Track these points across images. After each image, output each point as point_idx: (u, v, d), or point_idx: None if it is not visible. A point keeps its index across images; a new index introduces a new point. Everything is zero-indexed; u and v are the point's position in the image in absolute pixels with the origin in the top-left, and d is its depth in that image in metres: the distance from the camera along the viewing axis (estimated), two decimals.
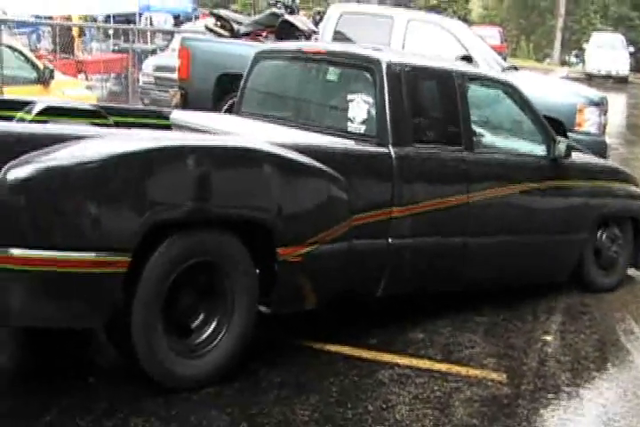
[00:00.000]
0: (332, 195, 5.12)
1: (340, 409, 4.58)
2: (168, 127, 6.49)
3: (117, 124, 6.09)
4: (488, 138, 6.69)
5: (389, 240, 5.53)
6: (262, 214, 4.76)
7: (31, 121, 5.73)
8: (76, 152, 4.13)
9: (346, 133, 5.82)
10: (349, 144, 5.62)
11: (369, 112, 5.75)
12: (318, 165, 5.03)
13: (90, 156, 4.13)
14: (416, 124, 5.88)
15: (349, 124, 5.86)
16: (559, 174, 6.67)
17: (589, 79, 35.37)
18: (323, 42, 8.62)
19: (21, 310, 4.10)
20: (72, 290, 4.17)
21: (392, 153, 5.55)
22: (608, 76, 37.52)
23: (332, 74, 6.43)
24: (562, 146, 6.58)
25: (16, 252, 3.98)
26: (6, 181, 3.94)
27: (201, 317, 4.67)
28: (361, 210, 5.30)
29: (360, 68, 5.99)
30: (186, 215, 4.43)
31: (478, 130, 6.48)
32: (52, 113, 5.85)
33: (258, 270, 4.82)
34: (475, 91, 6.41)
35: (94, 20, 24.74)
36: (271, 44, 7.14)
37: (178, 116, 6.60)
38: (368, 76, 5.84)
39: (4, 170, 3.97)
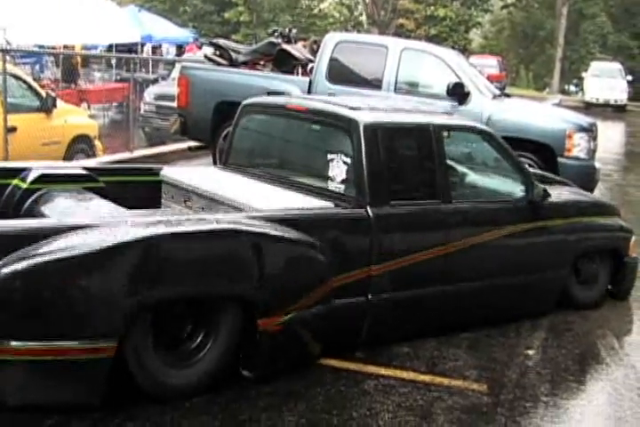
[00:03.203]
0: (311, 263, 5.30)
1: (326, 416, 4.82)
2: (158, 184, 6.76)
3: (108, 185, 6.36)
4: (466, 187, 6.90)
5: (369, 297, 5.71)
6: (241, 290, 4.97)
7: (27, 189, 6.03)
8: (62, 247, 4.39)
9: (326, 192, 6.00)
10: (328, 208, 5.78)
11: (347, 172, 5.89)
12: (296, 235, 5.21)
13: (77, 248, 4.39)
14: (393, 182, 6.00)
15: (330, 182, 6.02)
16: (538, 216, 6.83)
17: (587, 108, 35.64)
18: (310, 97, 8.69)
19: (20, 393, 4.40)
20: (67, 374, 4.45)
21: (370, 214, 5.71)
22: (606, 105, 37.79)
23: (313, 132, 6.64)
24: (539, 190, 6.79)
25: (14, 343, 4.29)
26: (0, 278, 4.24)
27: (189, 328, 4.95)
28: (340, 271, 5.49)
29: (338, 127, 6.14)
30: (167, 298, 4.72)
31: (456, 179, 6.69)
32: (45, 180, 6.13)
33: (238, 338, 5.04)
34: (452, 141, 6.59)
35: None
36: (257, 98, 7.28)
37: (168, 173, 6.79)
38: (346, 136, 5.98)
39: None
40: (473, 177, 7.06)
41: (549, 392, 5.52)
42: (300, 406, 4.89)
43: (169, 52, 30.00)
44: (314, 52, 12.67)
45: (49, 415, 4.44)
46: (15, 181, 6.12)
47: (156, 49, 29.82)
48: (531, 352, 6.26)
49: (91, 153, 12.56)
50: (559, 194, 7.42)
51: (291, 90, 11.16)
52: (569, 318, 7.22)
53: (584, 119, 11.48)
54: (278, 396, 5.01)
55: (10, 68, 11.12)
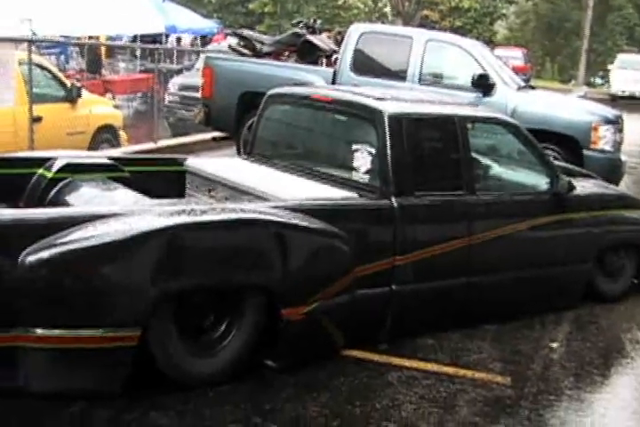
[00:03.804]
0: (335, 253, 5.29)
1: (349, 407, 4.82)
2: (183, 174, 6.79)
3: (133, 175, 6.37)
4: (491, 178, 6.88)
5: (392, 287, 5.71)
6: (266, 280, 4.97)
7: (52, 178, 6.05)
8: (87, 236, 4.41)
9: (351, 183, 6.00)
10: (352, 199, 5.79)
11: (372, 162, 5.89)
12: (320, 225, 5.21)
13: (102, 237, 4.41)
14: (418, 173, 5.98)
15: (354, 173, 6.02)
16: (562, 209, 6.80)
17: (614, 100, 35.37)
18: (335, 87, 8.64)
19: (44, 380, 4.45)
20: (90, 362, 4.50)
21: (394, 204, 5.71)
22: (632, 97, 37.48)
23: (338, 122, 6.62)
24: (564, 182, 6.76)
25: (39, 331, 4.33)
26: (26, 266, 4.28)
27: (213, 317, 4.96)
28: (364, 262, 5.48)
29: (363, 118, 6.13)
30: (190, 287, 4.74)
31: (480, 171, 6.67)
32: (70, 170, 6.14)
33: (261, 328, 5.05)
34: (477, 132, 6.57)
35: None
36: (282, 88, 7.25)
37: (192, 163, 6.84)
38: (371, 126, 5.98)
39: (22, 255, 4.30)
40: (497, 169, 7.03)
41: (573, 386, 5.49)
42: (323, 397, 4.90)
43: (192, 41, 29.95)
44: (338, 43, 12.64)
45: (73, 403, 4.46)
46: (40, 171, 6.14)
47: (180, 40, 29.84)
48: (555, 345, 6.23)
49: (115, 143, 12.61)
50: (584, 187, 7.37)
51: (315, 81, 11.11)
52: (594, 311, 7.18)
53: (610, 111, 11.39)
54: (301, 386, 5.01)
55: (35, 58, 11.14)
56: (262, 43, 12.81)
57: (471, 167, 6.31)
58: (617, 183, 10.24)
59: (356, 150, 6.01)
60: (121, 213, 4.67)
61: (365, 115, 6.10)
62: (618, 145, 10.87)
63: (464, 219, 6.15)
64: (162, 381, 4.73)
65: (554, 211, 6.73)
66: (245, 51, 12.67)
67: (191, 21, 30.82)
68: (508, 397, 5.20)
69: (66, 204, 5.78)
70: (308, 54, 12.43)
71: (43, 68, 11.35)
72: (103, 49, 21.69)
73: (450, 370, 5.51)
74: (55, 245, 4.34)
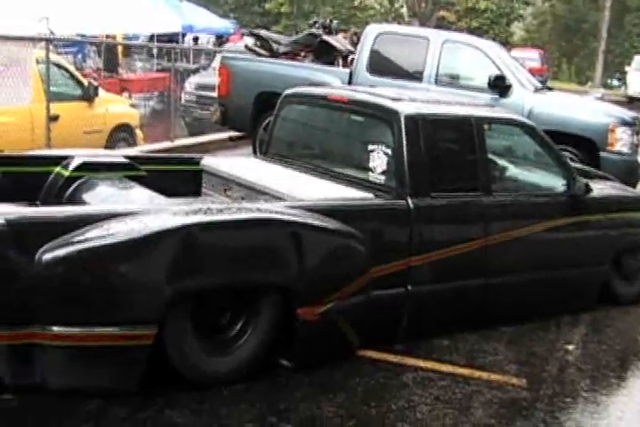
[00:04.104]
0: (351, 253, 5.28)
1: (364, 407, 4.81)
2: (199, 173, 6.81)
3: (149, 174, 6.35)
4: (507, 180, 6.85)
5: (408, 288, 5.70)
6: (282, 279, 4.97)
7: (69, 177, 6.05)
8: (103, 234, 4.42)
9: (367, 183, 5.99)
10: (368, 199, 5.78)
11: (388, 163, 5.88)
12: (336, 225, 5.20)
13: (118, 236, 4.42)
14: (434, 173, 5.96)
15: (370, 173, 6.01)
16: (579, 210, 6.78)
17: (630, 102, 35.21)
18: (351, 88, 8.64)
19: (60, 377, 4.47)
20: (106, 359, 4.52)
21: (410, 205, 5.69)
22: None
23: (354, 122, 6.62)
24: (581, 184, 6.74)
25: (56, 329, 4.35)
26: (42, 264, 4.30)
27: (229, 316, 4.97)
28: (379, 262, 5.47)
29: (379, 118, 6.13)
30: (206, 286, 4.75)
31: (497, 172, 6.66)
32: (87, 168, 6.14)
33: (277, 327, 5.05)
34: (493, 133, 6.56)
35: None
36: (299, 88, 7.28)
37: (208, 162, 6.85)
38: (387, 127, 5.97)
39: (39, 253, 4.32)
40: (514, 170, 7.01)
41: (589, 388, 5.47)
42: (338, 397, 4.89)
43: (209, 41, 29.99)
44: (354, 44, 12.67)
45: (89, 401, 4.47)
46: (57, 169, 6.16)
47: (197, 39, 29.89)
48: (571, 347, 6.21)
49: (132, 142, 12.65)
50: (601, 189, 7.35)
51: (331, 81, 11.14)
52: (610, 313, 7.16)
53: (627, 113, 11.36)
54: (317, 386, 5.01)
55: (53, 57, 11.18)
56: (279, 43, 12.84)
57: (487, 168, 6.29)
58: (634, 185, 10.19)
59: (372, 151, 6.01)
60: (137, 212, 4.68)
61: (382, 115, 6.09)
62: (635, 147, 10.85)
63: (480, 220, 6.13)
64: (177, 379, 4.73)
65: (570, 212, 6.71)
66: (262, 51, 12.70)
67: (208, 21, 30.87)
68: (523, 399, 5.18)
69: (82, 202, 5.79)
70: (325, 55, 12.45)
71: (60, 66, 11.40)
72: (120, 48, 21.73)
73: (465, 371, 5.50)
74: (72, 244, 4.35)
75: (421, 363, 5.54)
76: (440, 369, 5.49)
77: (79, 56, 19.88)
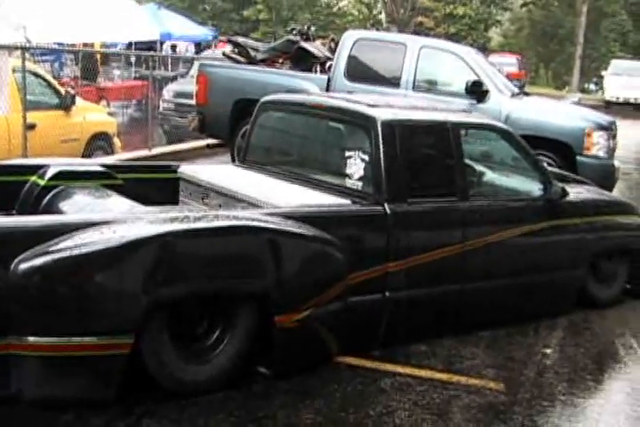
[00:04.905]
0: (328, 260, 5.29)
1: (343, 414, 4.82)
2: (177, 181, 6.81)
3: (126, 182, 6.36)
4: (484, 185, 6.86)
5: (386, 294, 5.71)
6: (259, 287, 4.96)
7: (45, 186, 6.03)
8: (80, 243, 4.40)
9: (344, 189, 6.01)
10: (346, 205, 5.79)
11: (365, 169, 5.89)
12: (313, 232, 5.21)
13: (94, 245, 4.40)
14: (411, 179, 5.98)
15: (347, 180, 6.03)
16: (555, 214, 6.81)
17: (607, 107, 35.43)
18: (328, 94, 8.65)
19: (37, 388, 4.44)
20: (83, 369, 4.50)
21: (387, 211, 5.71)
22: (627, 104, 37.57)
23: (331, 129, 6.64)
24: (557, 188, 6.77)
25: (32, 339, 4.33)
26: (19, 274, 4.28)
27: (206, 325, 4.96)
28: (357, 268, 5.48)
29: (356, 125, 6.15)
30: (183, 295, 4.74)
31: (474, 177, 6.68)
32: (63, 177, 6.13)
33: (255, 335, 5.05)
34: (470, 139, 6.58)
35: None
36: (275, 95, 7.30)
37: (186, 170, 6.84)
38: (364, 133, 5.98)
39: (15, 263, 4.30)
40: (491, 175, 7.03)
41: (567, 391, 5.50)
42: (316, 404, 4.90)
43: (187, 49, 29.97)
44: (332, 50, 12.69)
45: (66, 411, 4.46)
46: (33, 178, 6.14)
47: (175, 47, 29.87)
48: (548, 351, 6.24)
49: (109, 150, 12.61)
50: (577, 193, 7.38)
51: (309, 88, 11.16)
52: (587, 316, 7.19)
53: (603, 118, 11.43)
54: (295, 393, 5.01)
55: (29, 65, 11.15)
56: (256, 50, 12.86)
57: (464, 174, 6.31)
58: (610, 189, 10.27)
59: (350, 157, 6.02)
60: (114, 221, 4.67)
61: (358, 121, 6.11)
62: (611, 151, 10.91)
63: (457, 225, 6.15)
64: (155, 388, 4.72)
65: (547, 217, 6.74)
66: (240, 58, 12.71)
67: (186, 28, 30.85)
68: (501, 403, 5.20)
69: (59, 211, 5.77)
70: (302, 61, 12.47)
71: (37, 75, 11.34)
72: (98, 56, 21.68)
73: (443, 376, 5.52)
74: (48, 253, 4.33)
75: (399, 369, 5.56)
76: (418, 374, 5.50)
77: (56, 64, 19.81)
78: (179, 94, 16.98)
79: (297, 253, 5.11)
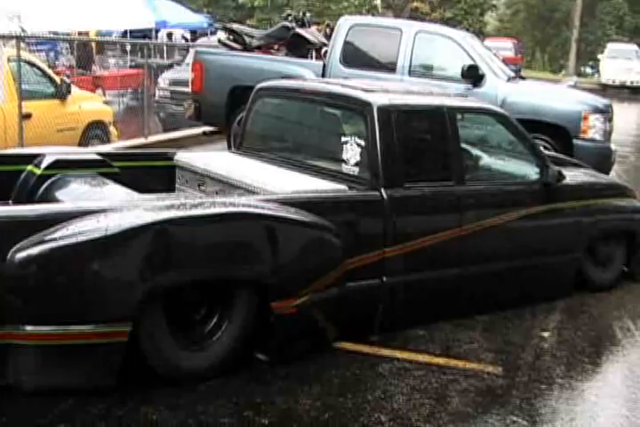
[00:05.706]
0: (325, 245, 5.29)
1: (341, 399, 4.83)
2: (173, 168, 6.80)
3: (122, 170, 6.32)
4: (480, 169, 6.87)
5: (383, 279, 5.71)
6: (256, 273, 4.97)
7: (41, 175, 6.02)
8: (76, 232, 4.39)
9: (340, 175, 6.00)
10: (342, 191, 5.78)
11: (361, 154, 5.88)
12: (310, 217, 5.21)
13: (91, 233, 4.40)
14: (407, 164, 5.97)
15: (344, 165, 6.02)
16: (552, 198, 6.81)
17: (604, 90, 35.44)
18: (324, 80, 8.63)
19: (35, 377, 4.45)
20: (81, 358, 4.51)
21: (384, 196, 5.70)
22: (623, 87, 37.62)
23: (327, 115, 6.63)
24: (554, 172, 6.76)
25: (29, 328, 4.34)
26: (15, 263, 4.28)
27: (203, 311, 4.97)
28: (354, 254, 5.48)
29: (352, 110, 6.15)
30: (180, 282, 4.75)
31: (470, 162, 6.67)
32: (60, 166, 6.11)
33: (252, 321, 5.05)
34: (466, 123, 6.58)
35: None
36: (271, 82, 7.29)
37: (182, 157, 6.83)
38: (360, 118, 5.97)
39: (12, 252, 4.30)
40: (487, 159, 7.03)
41: (565, 374, 5.51)
42: (314, 390, 4.91)
43: (183, 36, 29.87)
44: (328, 36, 12.66)
45: (64, 399, 4.46)
46: (29, 167, 6.13)
47: (171, 35, 29.78)
48: (546, 334, 6.25)
49: (105, 139, 12.58)
50: (574, 176, 7.38)
51: (305, 74, 11.14)
52: (585, 300, 7.20)
53: (599, 101, 11.42)
54: (293, 379, 5.02)
55: (24, 55, 11.11)
56: (252, 36, 12.83)
57: (461, 158, 6.31)
58: (607, 172, 10.27)
59: (346, 143, 6.01)
60: (110, 209, 4.67)
61: (354, 107, 6.10)
62: (608, 134, 10.92)
63: (454, 210, 6.16)
64: (153, 376, 4.73)
65: (544, 200, 6.74)
66: (235, 45, 12.67)
67: (181, 16, 30.76)
68: (499, 386, 5.22)
69: (55, 200, 5.77)
70: (298, 48, 12.45)
71: (32, 64, 11.30)
72: (94, 45, 21.60)
73: (441, 361, 5.53)
74: (44, 242, 4.33)
75: (397, 353, 5.57)
76: (416, 359, 5.51)
77: (51, 54, 19.74)
78: (174, 82, 16.91)
79: (294, 239, 5.12)
